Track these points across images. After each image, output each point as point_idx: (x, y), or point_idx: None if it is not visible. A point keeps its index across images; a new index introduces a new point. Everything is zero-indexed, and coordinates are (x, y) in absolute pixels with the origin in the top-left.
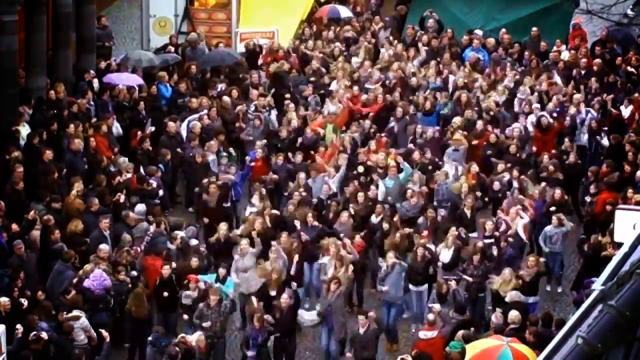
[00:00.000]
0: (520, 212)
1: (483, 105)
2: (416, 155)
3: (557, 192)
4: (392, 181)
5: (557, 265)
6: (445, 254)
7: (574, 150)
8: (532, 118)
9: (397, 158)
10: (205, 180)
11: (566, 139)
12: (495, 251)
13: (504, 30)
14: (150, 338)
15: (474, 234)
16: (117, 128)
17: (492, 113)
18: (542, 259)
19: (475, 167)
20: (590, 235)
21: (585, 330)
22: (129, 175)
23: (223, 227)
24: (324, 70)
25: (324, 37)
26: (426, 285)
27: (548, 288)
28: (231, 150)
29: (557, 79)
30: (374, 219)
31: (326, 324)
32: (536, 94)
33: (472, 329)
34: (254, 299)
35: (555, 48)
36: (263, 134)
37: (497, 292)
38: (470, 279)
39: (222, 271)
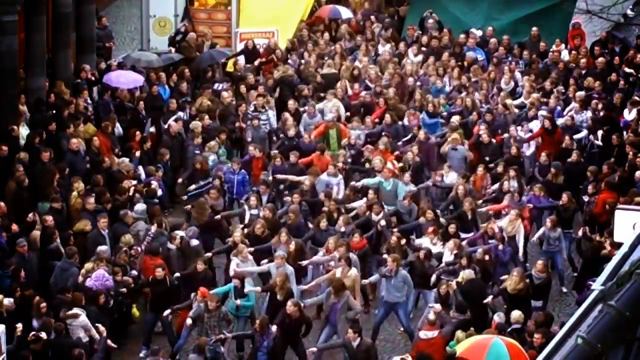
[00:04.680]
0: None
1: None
2: (409, 156)
3: (564, 198)
4: (388, 184)
5: (559, 263)
6: (447, 255)
7: (574, 147)
8: (535, 121)
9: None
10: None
11: (566, 137)
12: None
13: (490, 28)
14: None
15: (471, 234)
16: (117, 128)
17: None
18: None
19: (480, 170)
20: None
21: (585, 330)
22: (134, 182)
23: (237, 232)
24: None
25: (323, 38)
26: (426, 290)
27: (564, 289)
28: (222, 151)
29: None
30: (374, 218)
31: (328, 323)
32: (536, 95)
33: (472, 328)
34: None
35: (554, 48)
36: (263, 134)
37: (505, 289)
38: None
39: (236, 282)
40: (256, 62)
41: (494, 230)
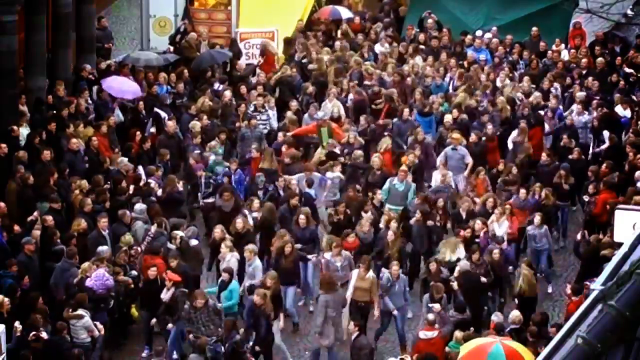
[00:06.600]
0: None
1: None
2: (412, 156)
3: (543, 194)
4: (401, 185)
5: (544, 262)
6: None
7: (573, 145)
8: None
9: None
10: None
11: (564, 136)
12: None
13: (494, 29)
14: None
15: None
16: (118, 116)
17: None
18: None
19: (482, 175)
20: (590, 235)
21: (585, 330)
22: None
23: (217, 229)
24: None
25: (322, 38)
26: None
27: (549, 290)
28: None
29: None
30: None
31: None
32: (537, 94)
33: (472, 328)
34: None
35: (554, 48)
36: (259, 134)
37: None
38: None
39: (226, 275)
40: (255, 62)
41: (494, 232)
